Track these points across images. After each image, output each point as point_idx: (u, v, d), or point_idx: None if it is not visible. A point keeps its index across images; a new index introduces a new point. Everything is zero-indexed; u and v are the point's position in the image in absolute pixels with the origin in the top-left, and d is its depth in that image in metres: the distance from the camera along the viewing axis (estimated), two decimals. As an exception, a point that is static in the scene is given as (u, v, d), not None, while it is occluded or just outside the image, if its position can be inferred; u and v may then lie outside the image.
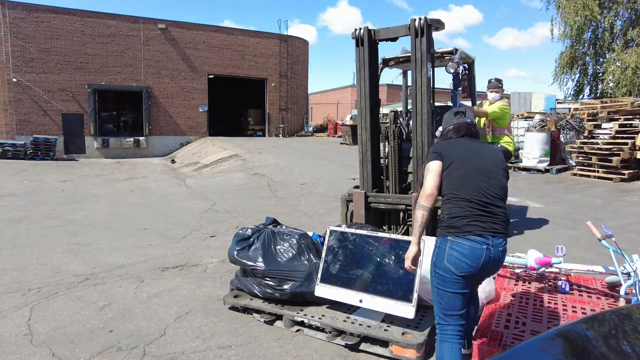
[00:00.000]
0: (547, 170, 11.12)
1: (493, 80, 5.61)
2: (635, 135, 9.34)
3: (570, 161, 11.34)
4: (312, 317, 3.13)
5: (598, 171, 9.87)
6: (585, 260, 4.42)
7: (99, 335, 3.13)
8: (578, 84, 19.71)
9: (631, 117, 9.66)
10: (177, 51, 21.83)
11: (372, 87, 4.53)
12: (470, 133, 2.55)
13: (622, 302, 3.10)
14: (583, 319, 1.59)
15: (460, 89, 5.12)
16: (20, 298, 3.79)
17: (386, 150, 4.79)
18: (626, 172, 9.32)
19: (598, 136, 10.29)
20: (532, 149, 11.38)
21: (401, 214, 4.70)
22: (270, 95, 24.82)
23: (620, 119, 9.79)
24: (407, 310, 2.80)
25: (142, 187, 10.91)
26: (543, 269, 3.63)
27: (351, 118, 24.26)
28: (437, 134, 5.11)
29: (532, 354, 1.37)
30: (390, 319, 3.00)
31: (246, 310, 3.45)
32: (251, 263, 3.42)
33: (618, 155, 9.42)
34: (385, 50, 19.42)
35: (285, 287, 3.30)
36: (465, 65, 5.40)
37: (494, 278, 3.63)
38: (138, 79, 21.06)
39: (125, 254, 5.09)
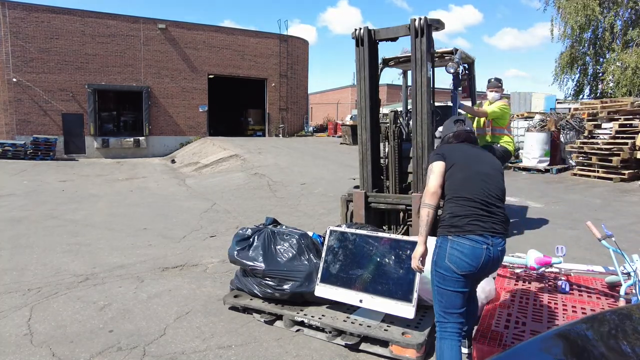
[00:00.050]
0: (547, 170, 11.12)
1: (493, 80, 5.61)
2: (635, 135, 9.33)
3: (570, 161, 11.34)
4: (312, 317, 3.13)
5: (598, 171, 9.87)
6: (585, 260, 4.42)
7: (99, 335, 3.13)
8: (578, 84, 19.71)
9: (631, 117, 9.66)
10: (177, 51, 21.84)
11: (372, 87, 4.53)
12: (469, 139, 2.63)
13: (622, 302, 3.10)
14: (583, 319, 1.59)
15: (460, 89, 5.11)
16: (20, 298, 3.79)
17: (386, 150, 4.79)
18: (626, 172, 9.32)
19: (598, 136, 10.29)
20: (532, 149, 11.38)
21: (401, 214, 4.69)
22: (270, 95, 24.82)
23: (620, 119, 9.79)
24: (407, 310, 2.80)
25: (142, 187, 10.91)
26: (543, 269, 3.63)
27: (351, 118, 24.25)
28: (437, 134, 5.12)
29: (532, 354, 1.37)
30: (390, 319, 3.00)
31: (246, 310, 3.45)
32: (251, 263, 3.42)
33: (618, 155, 9.42)
34: (385, 50, 19.42)
35: (285, 287, 3.30)
36: (465, 65, 5.40)
37: (494, 278, 3.63)
38: (138, 79, 21.07)
39: (125, 254, 5.09)
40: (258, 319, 3.34)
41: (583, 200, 7.81)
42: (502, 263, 3.88)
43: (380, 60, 4.98)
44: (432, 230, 2.45)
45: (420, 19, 4.05)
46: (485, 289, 3.25)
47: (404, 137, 5.02)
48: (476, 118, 5.63)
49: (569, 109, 14.94)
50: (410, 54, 4.37)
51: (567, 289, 3.51)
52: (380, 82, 5.04)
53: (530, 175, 10.96)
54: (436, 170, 2.40)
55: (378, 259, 3.07)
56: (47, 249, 5.30)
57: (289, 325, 3.20)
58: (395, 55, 5.37)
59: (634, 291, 3.02)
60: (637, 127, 9.39)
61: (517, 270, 3.90)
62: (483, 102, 5.76)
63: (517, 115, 13.69)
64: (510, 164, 11.76)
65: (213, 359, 2.83)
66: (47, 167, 15.58)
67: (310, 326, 3.14)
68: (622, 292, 3.08)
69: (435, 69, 4.80)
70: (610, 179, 9.51)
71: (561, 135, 11.98)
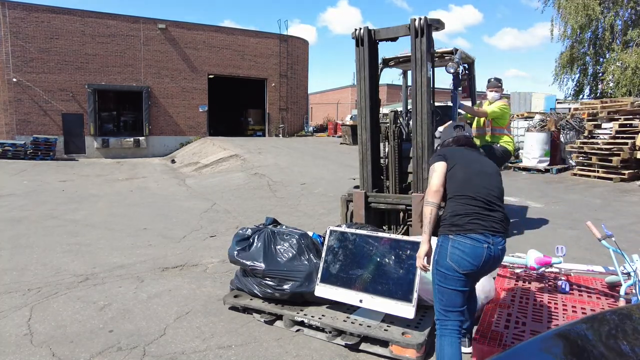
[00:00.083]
0: (547, 170, 11.12)
1: (492, 80, 5.61)
2: (635, 135, 9.33)
3: (570, 161, 11.34)
4: (312, 317, 3.13)
5: (598, 171, 9.87)
6: (585, 260, 4.41)
7: (99, 335, 3.13)
8: (578, 84, 19.72)
9: (631, 117, 9.66)
10: (177, 51, 21.84)
11: (372, 87, 4.53)
12: (469, 144, 2.71)
13: (622, 302, 3.11)
14: (583, 319, 1.59)
15: (460, 89, 5.11)
16: (20, 298, 3.79)
17: (386, 150, 4.79)
18: (626, 172, 9.32)
19: (598, 136, 10.29)
20: (532, 149, 11.38)
21: (401, 214, 4.69)
22: (270, 95, 24.82)
23: (620, 119, 9.79)
24: (407, 310, 2.80)
25: (142, 187, 10.91)
26: (543, 269, 3.63)
27: (351, 118, 24.26)
28: (437, 134, 5.12)
29: (532, 354, 1.37)
30: (390, 319, 3.00)
31: (246, 310, 3.45)
32: (251, 263, 3.42)
33: (618, 155, 9.42)
34: (386, 50, 19.43)
35: (285, 287, 3.30)
36: (465, 65, 5.40)
37: (493, 278, 3.63)
38: (138, 79, 21.07)
39: (125, 254, 5.09)
40: (258, 319, 3.34)
41: (583, 200, 7.81)
42: (502, 263, 3.88)
43: (380, 60, 4.98)
44: (433, 231, 2.46)
45: (420, 19, 4.05)
46: (485, 288, 3.25)
47: (404, 137, 5.02)
48: (476, 118, 5.63)
49: (569, 109, 14.94)
50: (410, 54, 4.37)
51: (567, 289, 3.51)
52: (380, 82, 5.04)
53: (530, 175, 10.96)
54: (438, 170, 2.45)
55: (378, 259, 3.07)
56: (47, 249, 5.30)
57: (289, 325, 3.20)
58: (395, 55, 5.37)
59: (634, 291, 3.02)
60: (637, 127, 9.39)
61: (517, 270, 3.90)
62: (483, 102, 5.76)
63: (517, 115, 13.69)
64: (510, 164, 11.76)
65: (213, 359, 2.83)
66: (47, 167, 15.58)
67: (310, 326, 3.14)
68: (622, 292, 3.08)
69: (435, 69, 4.80)
70: (610, 179, 9.51)
71: (561, 135, 11.98)
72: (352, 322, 3.04)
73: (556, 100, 20.13)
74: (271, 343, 3.01)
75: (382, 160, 4.85)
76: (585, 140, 10.41)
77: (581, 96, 19.56)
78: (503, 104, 5.49)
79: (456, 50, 4.82)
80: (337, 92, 40.97)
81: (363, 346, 2.91)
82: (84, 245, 5.46)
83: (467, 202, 2.33)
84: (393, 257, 3.01)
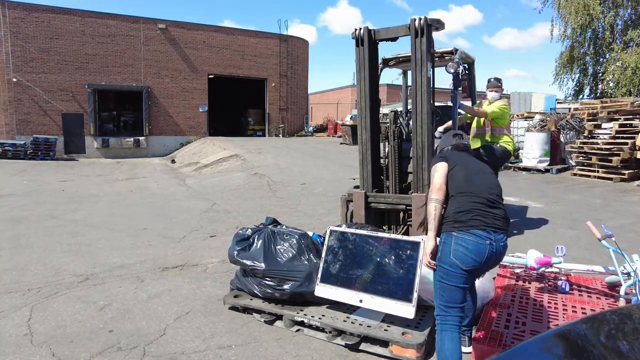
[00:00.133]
0: (547, 170, 11.12)
1: (492, 80, 5.61)
2: (635, 135, 9.33)
3: (570, 161, 11.34)
4: (312, 317, 3.13)
5: (598, 171, 9.87)
6: (585, 260, 4.41)
7: (99, 335, 3.13)
8: (578, 84, 19.72)
9: (631, 117, 9.66)
10: (177, 51, 21.84)
11: (372, 87, 4.53)
12: (467, 151, 2.81)
13: (622, 302, 3.11)
14: (583, 319, 1.59)
15: (460, 89, 5.11)
16: (20, 298, 3.79)
17: (386, 150, 4.79)
18: (626, 172, 9.32)
19: (598, 136, 10.29)
20: (532, 149, 11.38)
21: (401, 214, 4.69)
22: (270, 95, 24.82)
23: (620, 119, 9.79)
24: (407, 310, 2.80)
25: (142, 187, 10.91)
26: (543, 269, 3.63)
27: (351, 118, 24.26)
28: (437, 134, 5.13)
29: (532, 354, 1.37)
30: (390, 319, 3.00)
31: (246, 310, 3.45)
32: (251, 263, 3.42)
33: (618, 155, 9.42)
34: (386, 50, 19.43)
35: (285, 287, 3.30)
36: (465, 65, 5.40)
37: (493, 278, 3.64)
38: (138, 79, 21.07)
39: (125, 254, 5.09)
40: (258, 319, 3.34)
41: (583, 200, 7.81)
42: (502, 263, 3.89)
43: (380, 60, 4.98)
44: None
45: (420, 19, 4.05)
46: (485, 288, 3.25)
47: (404, 137, 5.02)
48: (476, 118, 5.63)
49: (569, 109, 14.94)
50: (410, 54, 4.37)
51: (567, 289, 3.51)
52: (380, 82, 5.04)
53: (530, 175, 10.96)
54: (440, 170, 2.53)
55: (378, 259, 3.07)
56: (47, 249, 5.30)
57: (289, 325, 3.20)
58: (395, 55, 5.37)
59: (634, 291, 3.02)
60: (637, 127, 9.39)
61: (517, 270, 3.90)
62: (483, 102, 5.76)
63: (517, 115, 13.69)
64: (510, 164, 11.76)
65: (213, 359, 2.83)
66: (47, 167, 15.58)
67: (310, 326, 3.14)
68: (622, 292, 3.08)
69: (435, 69, 4.80)
70: (610, 179, 9.51)
71: (561, 135, 11.98)
72: (352, 322, 3.04)
73: (556, 100, 20.13)
74: (271, 343, 3.01)
75: (382, 160, 4.85)
76: (585, 140, 10.41)
77: (581, 96, 19.56)
78: (503, 104, 5.49)
79: (456, 50, 4.82)
80: (337, 92, 40.97)
81: (363, 346, 2.91)
82: (84, 245, 5.46)
83: (469, 199, 2.38)
84: (393, 257, 3.01)
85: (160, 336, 3.12)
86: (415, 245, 2.93)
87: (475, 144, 5.58)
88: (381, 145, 4.81)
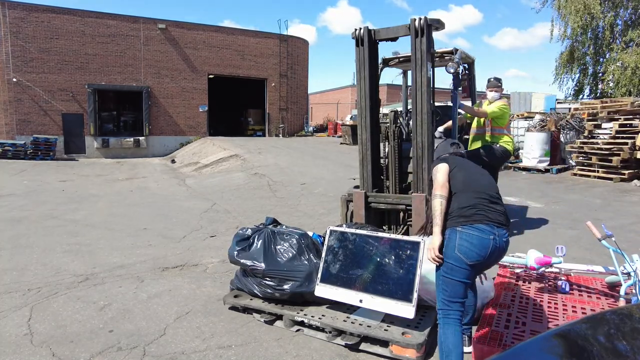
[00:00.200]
0: (547, 170, 11.12)
1: (492, 80, 5.61)
2: (635, 135, 9.33)
3: (570, 161, 11.34)
4: (312, 317, 3.13)
5: (598, 171, 9.87)
6: (585, 260, 4.41)
7: (99, 335, 3.13)
8: (578, 84, 19.72)
9: (631, 117, 9.66)
10: (177, 51, 21.84)
11: (372, 87, 4.52)
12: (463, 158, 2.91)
13: (622, 302, 3.11)
14: (583, 319, 1.59)
15: (460, 89, 5.11)
16: (20, 298, 3.79)
17: (386, 150, 4.79)
18: (626, 172, 9.32)
19: (598, 136, 10.29)
20: (532, 149, 11.38)
21: (401, 214, 4.69)
22: (270, 95, 24.82)
23: (620, 119, 9.79)
24: (407, 310, 2.80)
25: (142, 187, 10.91)
26: (543, 269, 3.63)
27: (351, 118, 24.25)
28: (437, 134, 5.13)
29: (532, 354, 1.37)
30: (390, 319, 3.00)
31: (246, 310, 3.45)
32: (251, 263, 3.42)
33: (618, 155, 9.42)
34: (386, 50, 19.40)
35: (285, 287, 3.30)
36: (465, 65, 5.39)
37: (493, 278, 3.64)
38: (138, 79, 21.07)
39: (125, 254, 5.09)
40: (258, 319, 3.34)
41: (583, 200, 7.81)
42: (503, 263, 3.89)
43: (380, 60, 4.98)
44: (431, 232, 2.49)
45: (420, 19, 4.05)
46: (485, 288, 3.26)
47: (404, 137, 5.02)
48: (476, 118, 5.63)
49: (569, 109, 14.94)
50: (409, 54, 4.37)
51: (567, 289, 3.51)
52: (380, 82, 5.03)
53: (530, 175, 10.96)
54: (442, 170, 2.60)
55: (378, 259, 3.07)
56: (47, 249, 5.30)
57: (289, 325, 3.20)
58: (395, 55, 5.37)
59: (634, 291, 3.02)
60: (637, 127, 9.39)
61: (517, 270, 3.90)
62: (483, 102, 5.76)
63: (517, 115, 13.69)
64: (510, 164, 11.77)
65: (213, 359, 2.83)
66: (47, 167, 15.58)
67: (310, 326, 3.14)
68: (622, 292, 3.08)
69: (435, 69, 4.79)
70: (610, 179, 9.51)
71: (561, 135, 11.98)
72: (352, 322, 3.04)
73: (556, 100, 20.13)
74: (271, 343, 3.01)
75: (382, 160, 4.85)
76: (585, 140, 10.41)
77: (581, 96, 19.56)
78: (503, 103, 5.49)
79: (456, 50, 4.82)
80: (337, 92, 40.97)
81: (363, 346, 2.91)
82: (84, 245, 5.46)
83: (472, 195, 2.46)
84: (393, 257, 3.01)
85: (160, 336, 3.12)
86: (415, 245, 2.93)
87: (475, 144, 5.58)
88: (381, 145, 4.81)
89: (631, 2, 17.23)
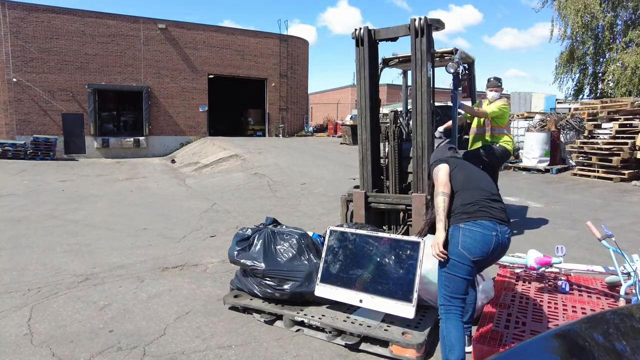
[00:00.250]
0: (547, 170, 11.12)
1: (492, 79, 5.61)
2: (635, 135, 9.34)
3: (570, 161, 11.34)
4: (312, 317, 3.13)
5: (598, 171, 9.87)
6: (585, 260, 4.41)
7: (99, 335, 3.14)
8: (578, 84, 19.72)
9: (631, 117, 9.66)
10: (177, 51, 21.84)
11: (372, 87, 4.53)
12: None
13: (622, 302, 3.11)
14: (583, 319, 1.59)
15: (460, 89, 5.11)
16: (20, 298, 3.79)
17: (386, 150, 4.79)
18: (626, 172, 9.32)
19: (598, 136, 10.30)
20: (532, 149, 11.38)
21: (401, 214, 4.69)
22: (270, 95, 24.82)
23: (620, 119, 9.79)
24: (407, 310, 2.80)
25: (142, 187, 10.91)
26: (543, 269, 3.63)
27: (351, 118, 24.25)
28: (437, 134, 5.12)
29: (532, 354, 1.37)
30: (390, 319, 3.00)
31: (246, 310, 3.45)
32: (251, 263, 3.42)
33: (618, 155, 9.42)
34: (386, 50, 19.42)
35: (285, 287, 3.30)
36: (465, 65, 5.39)
37: (493, 278, 3.64)
38: (138, 79, 21.07)
39: (125, 254, 5.09)
40: (258, 319, 3.34)
41: (583, 200, 7.81)
42: (503, 263, 3.89)
43: (380, 60, 4.98)
44: (433, 231, 2.49)
45: (420, 19, 4.05)
46: (485, 288, 3.25)
47: (404, 137, 5.02)
48: (476, 118, 5.63)
49: (569, 108, 14.95)
50: (409, 54, 4.37)
51: (567, 289, 3.51)
52: (380, 82, 5.03)
53: (530, 175, 10.96)
54: (443, 169, 2.65)
55: (378, 259, 3.07)
56: (47, 249, 5.30)
57: (289, 325, 3.20)
58: (395, 55, 5.37)
59: (634, 291, 3.02)
60: (637, 127, 9.39)
61: (517, 270, 3.90)
62: (482, 102, 5.76)
63: (517, 115, 13.70)
64: (510, 164, 11.77)
65: (213, 359, 2.83)
66: (47, 167, 15.58)
67: (310, 326, 3.14)
68: (622, 292, 3.08)
69: (435, 69, 4.79)
70: (610, 179, 9.51)
71: (561, 135, 11.98)
72: (352, 322, 3.04)
73: (556, 100, 20.14)
74: (271, 343, 3.01)
75: (382, 160, 4.85)
76: (585, 140, 10.41)
77: (581, 96, 19.56)
78: (503, 103, 5.49)
79: (456, 50, 4.82)
80: (337, 92, 40.97)
81: (363, 346, 2.91)
82: (84, 245, 5.46)
83: (474, 193, 2.51)
84: (393, 257, 3.01)
85: (160, 336, 3.12)
86: (415, 245, 2.93)
87: (476, 144, 5.58)
88: (381, 145, 4.81)
89: (631, 2, 17.23)
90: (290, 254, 3.43)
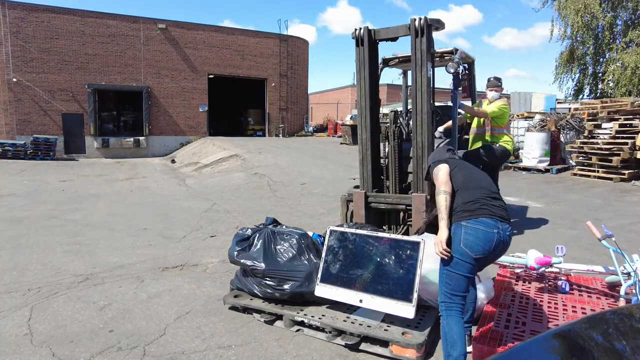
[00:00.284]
0: (547, 170, 11.12)
1: (492, 79, 5.60)
2: (635, 135, 9.34)
3: (570, 161, 11.34)
4: (312, 317, 3.13)
5: (598, 171, 9.87)
6: (585, 260, 4.41)
7: (99, 335, 3.14)
8: (578, 84, 19.72)
9: (631, 117, 9.66)
10: (177, 51, 21.84)
11: (372, 87, 4.52)
12: None
13: (622, 302, 3.11)
14: (583, 319, 1.59)
15: (460, 89, 5.11)
16: (20, 298, 3.79)
17: (386, 150, 4.79)
18: (626, 172, 9.32)
19: (598, 136, 10.30)
20: (532, 149, 11.38)
21: (401, 214, 4.69)
22: (270, 95, 24.82)
23: (620, 118, 9.79)
24: (407, 310, 2.80)
25: (142, 187, 10.91)
26: (543, 269, 3.63)
27: (351, 118, 24.25)
28: (437, 134, 5.12)
29: (532, 354, 1.37)
30: (390, 319, 3.00)
31: (246, 310, 3.45)
32: (251, 263, 3.42)
33: (618, 155, 9.43)
34: (386, 50, 19.42)
35: (285, 287, 3.30)
36: (465, 65, 5.39)
37: (493, 278, 3.64)
38: (138, 79, 21.07)
39: (125, 254, 5.09)
40: (258, 319, 3.34)
41: (583, 200, 7.81)
42: (503, 263, 3.89)
43: (380, 60, 4.98)
44: (433, 230, 2.50)
45: (420, 18, 4.05)
46: (485, 288, 3.25)
47: (404, 137, 5.01)
48: (476, 118, 5.63)
49: (569, 108, 14.95)
50: (409, 54, 4.37)
51: (567, 289, 3.51)
52: (380, 82, 5.03)
53: (530, 175, 10.96)
54: (443, 169, 2.67)
55: (378, 259, 3.07)
56: (47, 249, 5.30)
57: (289, 325, 3.20)
58: (395, 55, 5.37)
59: (634, 291, 3.02)
60: (637, 127, 9.39)
61: (517, 270, 3.90)
62: (482, 102, 5.76)
63: (517, 115, 13.70)
64: (510, 164, 11.77)
65: (213, 359, 2.83)
66: (47, 167, 15.58)
67: (310, 326, 3.14)
68: (622, 292, 3.08)
69: (435, 69, 4.79)
70: (610, 179, 9.51)
71: (561, 135, 11.98)
72: (352, 322, 3.04)
73: (556, 100, 20.15)
74: (271, 343, 3.01)
75: (382, 160, 4.85)
76: (585, 140, 10.41)
77: (581, 96, 19.56)
78: (502, 103, 5.49)
79: (456, 50, 4.82)
80: (337, 92, 40.97)
81: (363, 346, 2.91)
82: (84, 245, 5.46)
83: (475, 191, 2.53)
84: (393, 257, 3.01)
85: (160, 336, 3.12)
86: (415, 245, 2.93)
87: (476, 144, 5.58)
88: (381, 145, 4.81)
89: (631, 2, 17.23)
90: (290, 254, 3.43)
